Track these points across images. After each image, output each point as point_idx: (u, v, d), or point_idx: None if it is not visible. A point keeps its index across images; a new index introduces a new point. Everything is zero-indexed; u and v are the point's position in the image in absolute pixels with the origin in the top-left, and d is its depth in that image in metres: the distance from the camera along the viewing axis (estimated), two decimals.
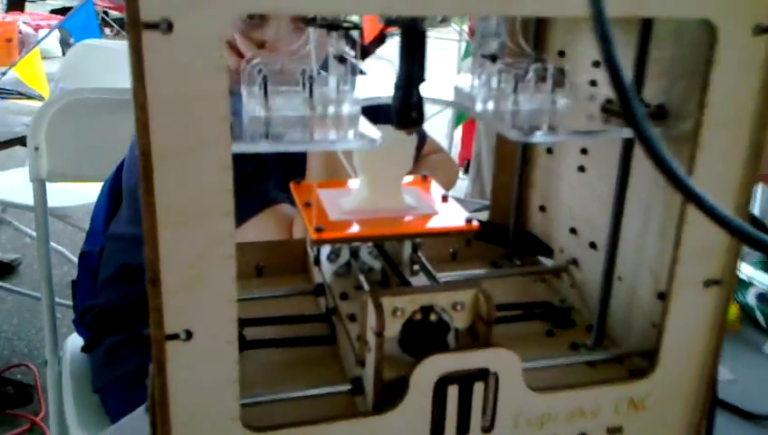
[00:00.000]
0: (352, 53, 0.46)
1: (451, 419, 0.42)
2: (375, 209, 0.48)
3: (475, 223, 0.47)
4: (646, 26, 0.43)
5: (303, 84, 0.43)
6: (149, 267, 0.32)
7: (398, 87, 0.45)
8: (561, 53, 0.59)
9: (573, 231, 0.60)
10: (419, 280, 0.51)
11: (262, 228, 0.85)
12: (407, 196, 0.50)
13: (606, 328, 0.52)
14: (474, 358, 0.41)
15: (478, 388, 0.41)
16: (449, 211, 0.49)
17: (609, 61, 0.23)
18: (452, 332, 0.43)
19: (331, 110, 0.43)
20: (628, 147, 0.47)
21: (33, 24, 4.50)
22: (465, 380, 0.41)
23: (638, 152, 0.48)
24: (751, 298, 0.87)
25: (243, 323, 0.51)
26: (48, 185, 1.19)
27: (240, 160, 0.93)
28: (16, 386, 1.77)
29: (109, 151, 1.14)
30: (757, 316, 0.87)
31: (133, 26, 0.28)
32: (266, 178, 0.91)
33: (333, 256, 0.53)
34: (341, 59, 0.42)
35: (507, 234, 0.66)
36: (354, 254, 0.52)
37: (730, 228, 0.27)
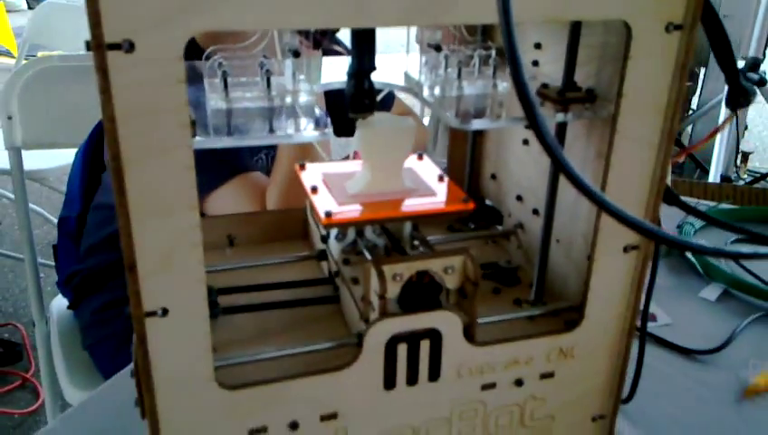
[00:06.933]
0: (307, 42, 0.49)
1: (401, 372, 0.48)
2: (378, 193, 0.52)
3: (470, 202, 0.52)
4: None
5: (261, 76, 0.47)
6: (126, 256, 0.36)
7: (350, 76, 0.49)
8: None
9: (519, 198, 0.65)
10: None
11: (233, 196, 0.88)
12: (406, 177, 0.54)
13: (546, 285, 0.58)
14: (420, 320, 0.47)
15: (424, 345, 0.47)
16: (446, 191, 0.54)
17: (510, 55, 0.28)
18: (444, 291, 0.49)
19: (288, 100, 0.47)
20: (561, 127, 0.52)
21: None
22: (412, 338, 0.47)
23: (572, 131, 0.52)
24: None
25: (251, 288, 0.57)
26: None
27: None
28: (5, 345, 1.83)
29: (81, 118, 1.16)
30: (696, 264, 0.94)
31: (98, 48, 0.32)
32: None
33: (341, 236, 0.58)
34: (296, 53, 0.46)
35: None
36: (360, 233, 0.57)
37: (605, 208, 0.32)
